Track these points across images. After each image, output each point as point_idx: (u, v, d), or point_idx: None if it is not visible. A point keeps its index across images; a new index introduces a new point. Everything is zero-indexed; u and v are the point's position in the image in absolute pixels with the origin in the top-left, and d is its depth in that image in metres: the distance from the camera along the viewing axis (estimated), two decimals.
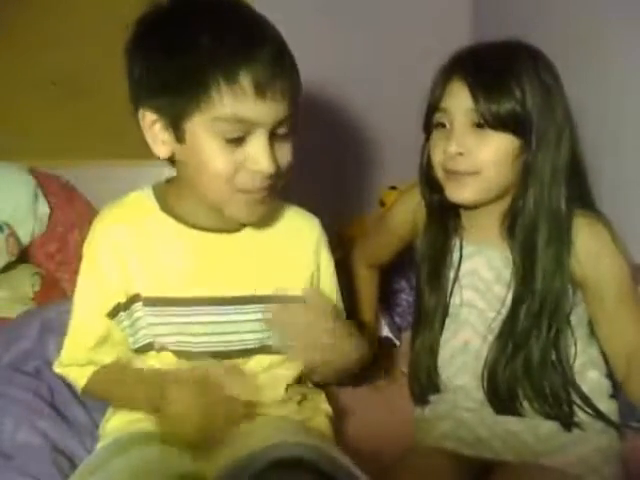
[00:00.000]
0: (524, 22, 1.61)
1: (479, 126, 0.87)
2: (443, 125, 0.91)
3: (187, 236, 0.85)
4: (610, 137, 1.25)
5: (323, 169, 1.80)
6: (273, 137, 0.78)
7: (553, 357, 0.92)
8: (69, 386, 1.01)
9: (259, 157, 0.76)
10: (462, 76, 0.88)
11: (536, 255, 0.90)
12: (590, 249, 0.89)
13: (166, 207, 0.87)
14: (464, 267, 0.99)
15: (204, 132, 0.76)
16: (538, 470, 0.90)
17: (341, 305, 0.99)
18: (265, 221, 0.89)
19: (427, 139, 0.96)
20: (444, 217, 0.99)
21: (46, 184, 1.65)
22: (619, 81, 1.24)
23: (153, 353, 0.87)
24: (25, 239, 1.57)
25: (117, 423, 0.88)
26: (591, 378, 0.95)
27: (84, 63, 1.72)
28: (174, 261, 0.85)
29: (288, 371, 0.92)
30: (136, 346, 0.87)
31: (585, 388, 0.93)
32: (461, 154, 0.88)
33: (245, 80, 0.72)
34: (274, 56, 0.74)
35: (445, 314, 1.00)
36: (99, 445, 0.87)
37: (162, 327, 0.85)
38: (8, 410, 0.95)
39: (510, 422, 0.94)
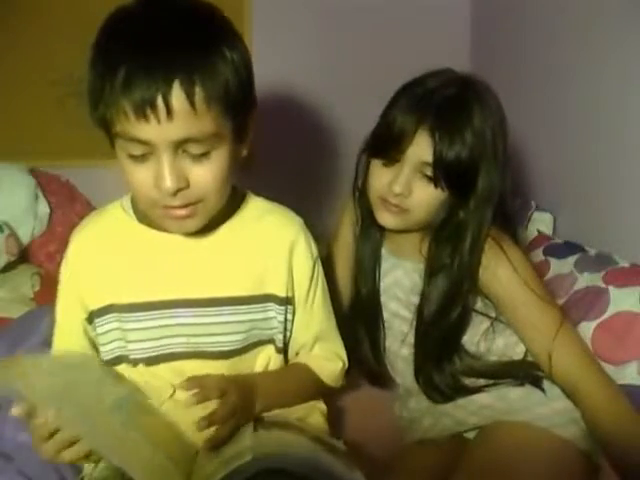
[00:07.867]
0: (522, 23, 1.62)
1: (425, 177, 0.96)
2: (396, 160, 0.97)
3: (159, 241, 0.86)
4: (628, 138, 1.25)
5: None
6: (185, 155, 0.75)
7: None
8: None
9: (159, 175, 0.75)
10: (430, 133, 0.93)
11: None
12: (486, 266, 0.99)
13: (140, 214, 0.87)
14: (387, 278, 1.10)
15: (117, 145, 0.77)
16: (506, 425, 0.97)
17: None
18: (241, 221, 0.90)
19: (364, 155, 1.04)
20: (373, 224, 1.08)
21: (46, 184, 1.66)
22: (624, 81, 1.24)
23: (124, 366, 0.87)
24: (25, 239, 1.58)
25: None
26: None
27: (84, 63, 1.72)
28: (148, 266, 0.86)
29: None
30: (107, 357, 0.88)
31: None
32: (401, 194, 0.97)
33: (126, 103, 0.71)
34: (159, 79, 0.71)
35: (379, 313, 1.11)
36: None
37: (139, 332, 0.86)
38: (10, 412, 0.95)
39: (481, 397, 1.02)
